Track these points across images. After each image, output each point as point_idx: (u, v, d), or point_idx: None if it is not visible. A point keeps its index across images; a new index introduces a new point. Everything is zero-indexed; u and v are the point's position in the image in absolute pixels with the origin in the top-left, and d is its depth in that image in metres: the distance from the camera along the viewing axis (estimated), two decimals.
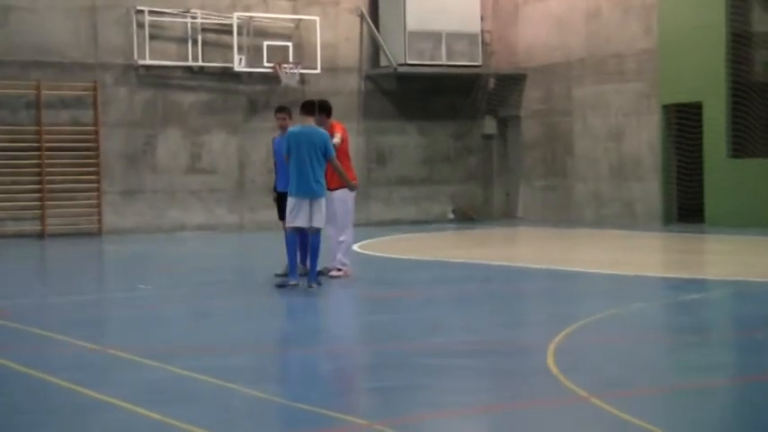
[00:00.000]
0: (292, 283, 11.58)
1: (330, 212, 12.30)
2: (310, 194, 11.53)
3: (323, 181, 11.66)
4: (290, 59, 22.64)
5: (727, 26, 20.11)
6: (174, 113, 22.34)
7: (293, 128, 11.78)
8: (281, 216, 12.77)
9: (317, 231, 11.65)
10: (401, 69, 23.43)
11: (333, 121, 12.54)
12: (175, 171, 22.35)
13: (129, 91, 21.92)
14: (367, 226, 21.98)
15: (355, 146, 21.80)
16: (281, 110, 13.11)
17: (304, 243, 12.32)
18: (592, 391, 6.36)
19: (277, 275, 12.68)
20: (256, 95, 23.00)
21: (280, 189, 12.76)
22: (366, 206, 23.21)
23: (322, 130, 11.76)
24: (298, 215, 11.54)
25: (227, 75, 22.61)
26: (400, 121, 24.49)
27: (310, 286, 11.49)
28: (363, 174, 23.02)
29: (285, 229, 12.61)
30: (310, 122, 11.69)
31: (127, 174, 21.90)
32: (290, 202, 11.57)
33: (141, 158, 22.05)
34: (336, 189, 12.42)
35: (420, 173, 24.82)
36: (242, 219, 22.84)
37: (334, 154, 11.74)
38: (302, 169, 11.48)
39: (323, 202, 11.69)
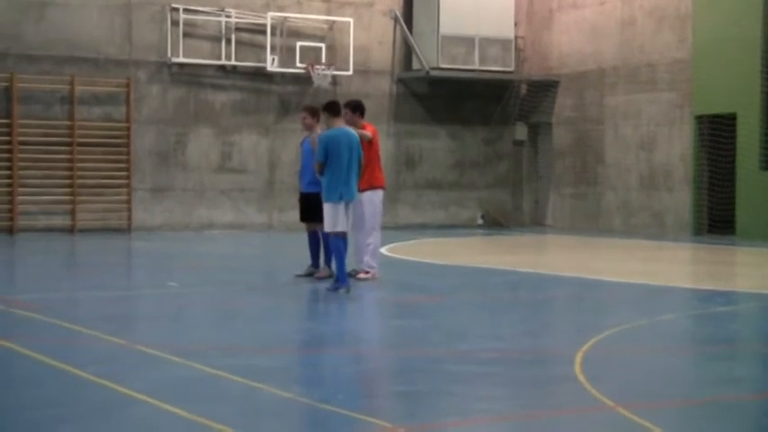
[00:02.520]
0: (342, 289, 11.48)
1: (358, 214, 12.28)
2: (347, 197, 11.53)
3: (356, 183, 11.66)
4: (323, 61, 22.68)
5: (763, 38, 19.99)
6: (206, 112, 22.39)
7: (327, 131, 11.63)
8: (303, 217, 12.95)
9: (345, 235, 11.62)
10: (433, 73, 23.42)
11: (364, 122, 12.53)
12: (205, 169, 22.40)
13: (161, 88, 21.99)
14: (395, 229, 22.01)
15: (385, 149, 21.95)
16: (304, 109, 13.18)
17: (318, 242, 12.64)
18: (619, 400, 6.33)
19: (298, 276, 12.79)
20: (288, 96, 23.02)
21: (304, 190, 12.87)
22: (394, 209, 23.22)
23: (355, 131, 11.74)
24: (339, 220, 11.51)
25: (260, 75, 22.65)
26: (431, 125, 24.48)
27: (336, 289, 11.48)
28: (392, 177, 23.00)
29: (308, 230, 12.92)
30: (340, 124, 11.65)
31: (157, 171, 21.98)
32: (329, 208, 11.50)
33: (172, 156, 22.13)
34: (365, 191, 12.40)
35: (449, 177, 24.75)
36: (270, 219, 22.88)
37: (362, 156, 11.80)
38: (342, 173, 11.43)
39: (357, 204, 11.78)
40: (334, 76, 22.94)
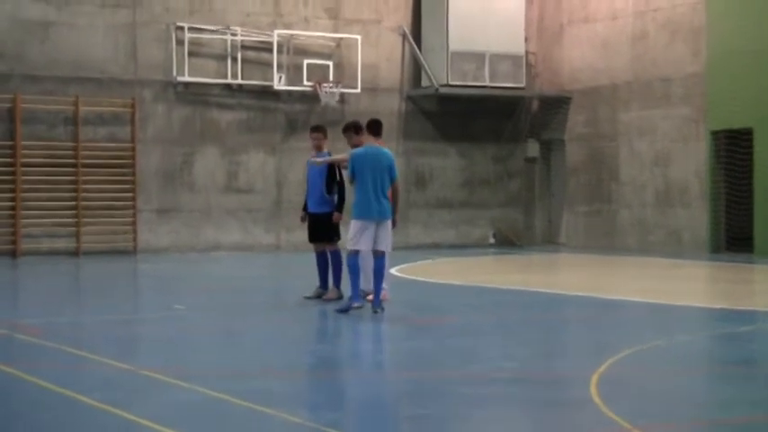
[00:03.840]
0: (356, 305, 11.63)
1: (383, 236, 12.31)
2: (378, 217, 11.61)
3: (388, 203, 11.73)
4: (331, 78, 22.64)
5: None
6: (212, 131, 22.39)
7: (358, 149, 11.78)
8: (311, 238, 13.04)
9: (383, 255, 11.69)
10: (443, 90, 23.37)
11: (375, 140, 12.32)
12: (212, 190, 22.37)
13: (167, 108, 22.00)
14: (405, 249, 21.86)
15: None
16: (316, 129, 13.29)
17: (327, 262, 12.76)
18: (635, 422, 6.29)
19: (307, 298, 12.85)
20: (295, 114, 23.01)
21: (311, 210, 12.95)
22: (405, 229, 23.01)
23: (387, 150, 11.87)
24: (361, 238, 11.58)
25: (266, 93, 22.64)
26: (441, 143, 24.41)
27: (375, 311, 11.48)
28: (403, 196, 22.39)
29: (317, 251, 13.01)
30: (369, 142, 11.79)
31: (163, 191, 21.95)
32: (355, 225, 11.60)
33: (178, 176, 22.11)
34: None
35: (460, 196, 24.67)
36: (278, 239, 22.84)
37: (398, 177, 11.88)
38: (369, 192, 11.57)
39: (389, 224, 11.76)
40: (341, 94, 22.91)
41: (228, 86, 22.42)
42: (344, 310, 11.68)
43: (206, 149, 22.36)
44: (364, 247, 11.62)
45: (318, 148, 13.04)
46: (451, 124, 24.46)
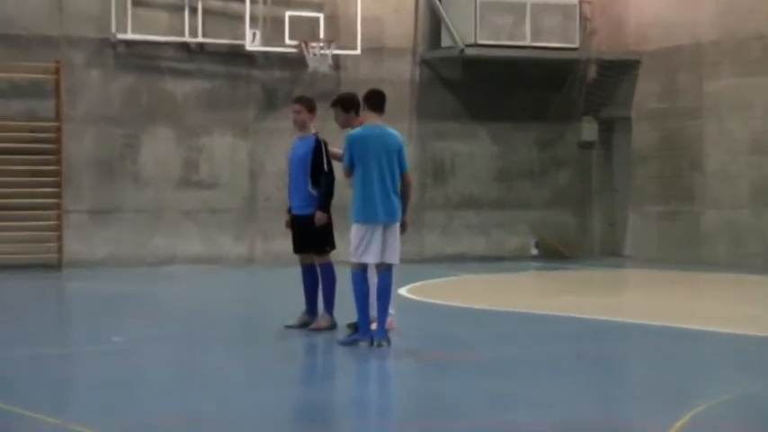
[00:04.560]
0: (363, 343, 11.62)
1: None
2: (386, 218, 11.69)
3: (398, 200, 11.83)
4: (321, 36, 22.49)
5: None
6: (165, 107, 22.30)
7: (356, 131, 11.87)
8: (297, 248, 13.06)
9: (389, 269, 11.78)
10: (470, 52, 23.19)
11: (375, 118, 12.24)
12: (164, 184, 22.29)
13: (103, 75, 21.89)
14: (420, 263, 21.80)
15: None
16: (298, 100, 13.33)
17: (316, 280, 12.77)
18: None
19: (289, 327, 12.89)
20: (275, 84, 22.94)
21: (295, 211, 12.97)
22: (418, 236, 22.88)
23: (394, 131, 11.95)
24: (368, 248, 11.66)
25: (236, 56, 22.55)
26: (466, 122, 24.23)
27: (379, 345, 11.54)
28: (416, 192, 21.45)
29: (303, 264, 13.04)
30: (373, 120, 11.86)
31: (99, 187, 21.83)
32: (357, 231, 11.68)
33: (119, 166, 21.99)
34: None
35: (492, 192, 24.56)
36: (252, 249, 22.82)
37: (408, 167, 11.98)
38: (373, 185, 11.65)
39: (398, 228, 11.83)
40: (335, 57, 22.78)
41: (186, 47, 22.36)
42: (349, 343, 11.71)
43: (156, 131, 22.27)
44: (373, 259, 11.68)
45: (302, 126, 13.05)
46: (480, 97, 24.29)
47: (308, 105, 13.09)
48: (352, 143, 11.70)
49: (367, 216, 11.63)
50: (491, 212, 24.60)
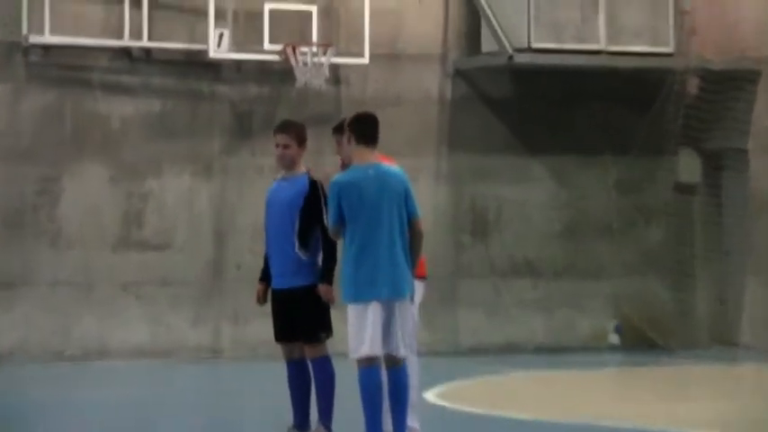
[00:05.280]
0: None
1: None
2: (390, 293, 11.60)
3: (408, 267, 11.76)
4: (314, 39, 22.20)
5: None
6: (96, 135, 21.76)
7: (340, 177, 11.80)
8: (280, 335, 12.85)
9: (401, 364, 11.76)
10: (521, 59, 22.72)
11: (369, 153, 12.20)
12: (95, 245, 21.77)
13: (10, 92, 21.54)
14: (454, 355, 21.87)
15: (431, 201, 21.86)
16: (283, 128, 12.93)
17: (308, 380, 12.64)
18: None
19: None
20: (249, 105, 22.50)
21: (277, 284, 12.70)
22: (452, 314, 22.88)
23: (395, 168, 11.92)
24: (366, 335, 11.69)
25: (196, 65, 22.12)
26: (517, 157, 23.83)
27: None
28: (446, 254, 22.72)
29: (287, 358, 12.79)
30: (367, 157, 11.88)
31: (3, 248, 21.55)
32: (352, 313, 11.58)
33: (30, 221, 21.59)
34: None
35: (554, 254, 24.20)
36: (218, 336, 22.40)
37: (419, 214, 11.74)
38: (372, 249, 11.67)
39: (408, 306, 11.85)
40: (334, 68, 22.56)
41: (126, 53, 21.97)
42: None
43: (83, 170, 21.74)
44: (377, 350, 11.53)
45: (290, 165, 12.65)
46: (537, 122, 23.93)
47: (298, 135, 12.92)
48: (339, 193, 11.67)
49: (359, 291, 11.60)
50: (553, 283, 24.32)
